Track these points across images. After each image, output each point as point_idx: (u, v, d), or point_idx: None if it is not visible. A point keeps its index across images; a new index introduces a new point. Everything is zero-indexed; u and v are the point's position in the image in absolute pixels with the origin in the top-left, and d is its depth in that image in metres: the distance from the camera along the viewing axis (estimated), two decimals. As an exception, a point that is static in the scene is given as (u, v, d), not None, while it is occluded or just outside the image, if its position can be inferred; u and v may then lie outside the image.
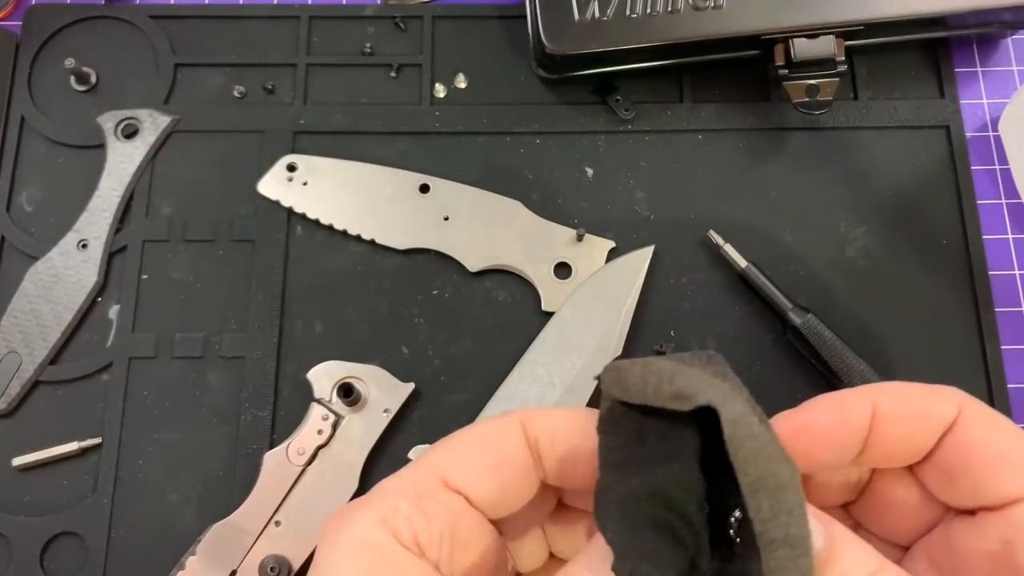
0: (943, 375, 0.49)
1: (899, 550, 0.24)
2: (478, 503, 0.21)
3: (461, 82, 0.55)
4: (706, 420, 0.19)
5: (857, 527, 0.25)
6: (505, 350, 0.49)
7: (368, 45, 0.56)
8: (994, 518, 0.20)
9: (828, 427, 0.21)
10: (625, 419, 0.21)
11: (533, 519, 0.24)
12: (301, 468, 0.46)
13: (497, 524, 0.23)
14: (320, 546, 0.21)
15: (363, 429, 0.47)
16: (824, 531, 0.19)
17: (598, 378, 0.21)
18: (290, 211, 0.52)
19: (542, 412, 0.23)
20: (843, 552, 0.19)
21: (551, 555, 0.25)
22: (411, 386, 0.48)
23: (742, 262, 0.50)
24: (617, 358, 0.48)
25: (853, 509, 0.25)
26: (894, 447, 0.22)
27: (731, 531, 0.19)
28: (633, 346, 0.49)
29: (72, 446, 0.47)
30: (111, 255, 0.51)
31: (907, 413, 0.21)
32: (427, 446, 0.47)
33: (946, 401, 0.22)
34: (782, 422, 0.22)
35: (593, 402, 0.47)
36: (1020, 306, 0.51)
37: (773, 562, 0.17)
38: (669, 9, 0.51)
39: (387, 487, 0.22)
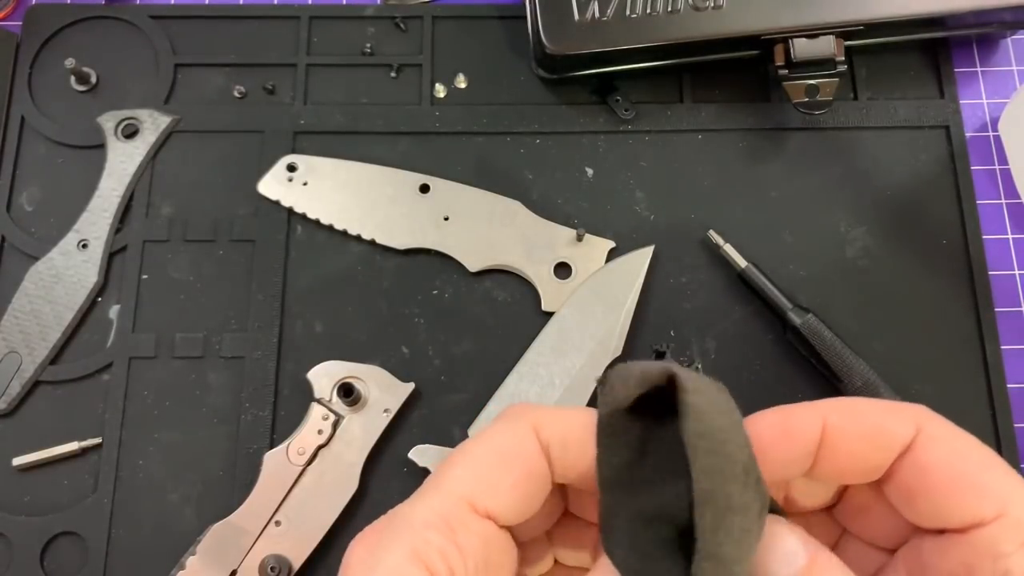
0: (943, 375, 0.49)
1: (886, 553, 0.24)
2: (505, 522, 0.21)
3: (461, 82, 0.55)
4: None
5: (844, 532, 0.25)
6: (505, 350, 0.49)
7: (368, 45, 0.56)
8: (957, 540, 0.20)
9: (769, 440, 0.21)
10: (626, 432, 0.20)
11: (541, 526, 0.24)
12: (301, 468, 0.46)
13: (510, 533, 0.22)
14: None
15: (363, 429, 0.47)
16: (806, 553, 0.19)
17: (600, 381, 0.21)
18: (290, 211, 0.52)
19: (552, 413, 0.22)
20: (821, 571, 0.19)
21: (556, 562, 0.25)
22: (411, 386, 0.48)
23: (742, 262, 0.50)
24: (617, 358, 0.48)
25: (836, 513, 0.25)
26: (846, 464, 0.21)
27: None
28: (633, 346, 0.49)
29: (72, 446, 0.48)
30: (111, 255, 0.51)
31: (859, 430, 0.21)
32: (427, 446, 0.47)
33: (902, 420, 0.21)
34: None
35: (593, 402, 0.47)
36: (1020, 306, 0.51)
37: (697, 572, 0.18)
38: (669, 9, 0.51)
39: (414, 517, 0.21)
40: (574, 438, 0.21)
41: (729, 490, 0.18)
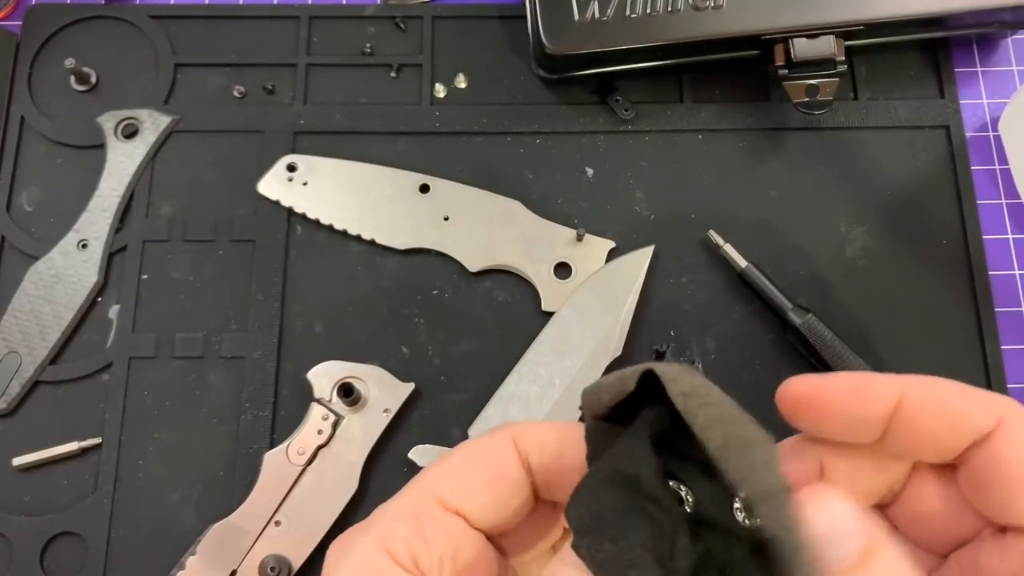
0: (943, 375, 0.49)
1: (936, 558, 0.23)
2: (476, 522, 0.21)
3: (461, 82, 0.55)
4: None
5: (893, 531, 0.24)
6: (505, 350, 0.49)
7: (368, 45, 0.56)
8: (1020, 541, 0.20)
9: (841, 396, 0.21)
10: (606, 434, 0.21)
11: (538, 541, 0.24)
12: (301, 468, 0.46)
13: (500, 546, 0.23)
14: (323, 573, 0.21)
15: (363, 429, 0.47)
16: (866, 530, 0.19)
17: (581, 408, 0.22)
18: (290, 211, 0.52)
19: (531, 425, 0.23)
20: (880, 555, 0.18)
21: None
22: (411, 386, 0.48)
23: (742, 262, 0.50)
24: (617, 358, 0.48)
25: (890, 512, 0.24)
26: (917, 440, 0.21)
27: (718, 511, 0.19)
28: (633, 346, 0.49)
29: (72, 446, 0.47)
30: (111, 255, 0.51)
31: (937, 409, 0.21)
32: (427, 446, 0.47)
33: (983, 410, 0.21)
34: (796, 383, 0.21)
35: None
36: (1020, 306, 0.51)
37: (761, 512, 0.18)
38: (669, 9, 0.51)
39: (385, 511, 0.22)
40: (551, 442, 0.22)
41: (738, 431, 0.18)
